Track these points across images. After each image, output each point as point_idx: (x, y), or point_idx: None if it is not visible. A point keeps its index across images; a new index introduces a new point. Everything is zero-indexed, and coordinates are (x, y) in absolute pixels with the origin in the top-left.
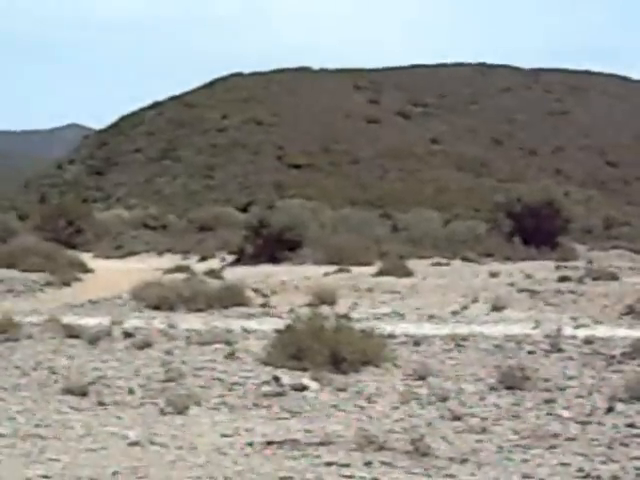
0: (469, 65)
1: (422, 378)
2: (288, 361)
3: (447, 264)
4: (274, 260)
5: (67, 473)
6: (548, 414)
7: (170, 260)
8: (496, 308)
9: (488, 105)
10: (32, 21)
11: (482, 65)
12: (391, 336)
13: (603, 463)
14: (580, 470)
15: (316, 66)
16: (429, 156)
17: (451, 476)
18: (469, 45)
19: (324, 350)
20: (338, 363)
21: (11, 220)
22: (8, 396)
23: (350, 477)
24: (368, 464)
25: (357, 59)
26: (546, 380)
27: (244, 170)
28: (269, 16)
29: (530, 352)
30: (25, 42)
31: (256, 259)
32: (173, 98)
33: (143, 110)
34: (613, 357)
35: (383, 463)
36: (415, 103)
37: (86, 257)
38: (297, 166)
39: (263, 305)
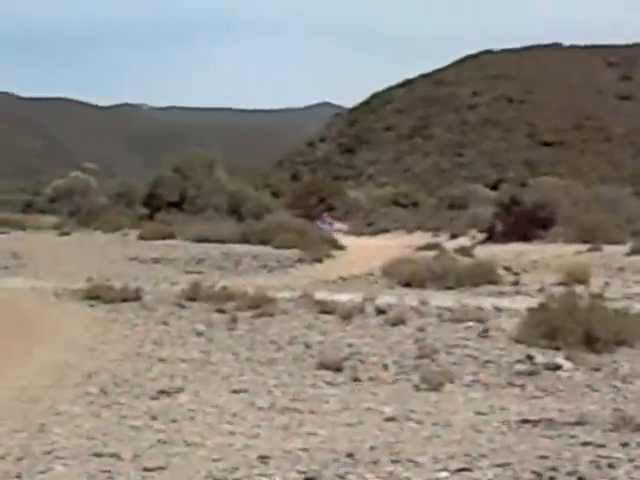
0: None
1: None
2: (541, 340)
3: None
4: (525, 238)
5: (325, 447)
6: None
7: (420, 238)
8: None
9: None
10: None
11: None
12: None
13: None
14: None
15: (567, 42)
16: None
17: None
18: None
19: (577, 329)
20: (592, 343)
21: (265, 197)
22: (265, 370)
23: (607, 458)
24: (625, 445)
25: (608, 35)
26: None
27: (495, 148)
28: None
29: None
30: (280, 22)
31: (507, 237)
32: (424, 76)
33: (393, 88)
34: None
35: None
36: None
37: (337, 233)
38: (548, 144)
39: (514, 283)
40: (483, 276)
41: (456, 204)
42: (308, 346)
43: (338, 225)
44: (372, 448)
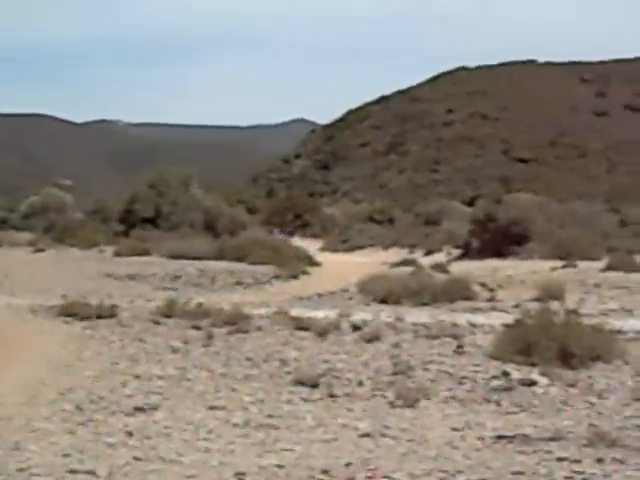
0: None
1: None
2: (516, 356)
3: None
4: (500, 254)
5: (300, 463)
6: None
7: (396, 254)
8: None
9: None
10: (257, 17)
11: None
12: (620, 332)
13: None
14: None
15: (542, 59)
16: None
17: None
18: None
19: (553, 345)
20: (567, 358)
21: (240, 213)
22: (241, 386)
23: (582, 473)
24: (600, 461)
25: (583, 51)
26: None
27: (470, 164)
28: (495, 10)
29: None
30: (253, 39)
31: (482, 253)
32: (399, 92)
33: (369, 104)
34: None
35: (615, 460)
36: None
37: (313, 250)
38: (523, 160)
39: (489, 299)
40: (459, 292)
41: (432, 220)
42: (284, 362)
43: (280, 236)
44: (348, 464)
